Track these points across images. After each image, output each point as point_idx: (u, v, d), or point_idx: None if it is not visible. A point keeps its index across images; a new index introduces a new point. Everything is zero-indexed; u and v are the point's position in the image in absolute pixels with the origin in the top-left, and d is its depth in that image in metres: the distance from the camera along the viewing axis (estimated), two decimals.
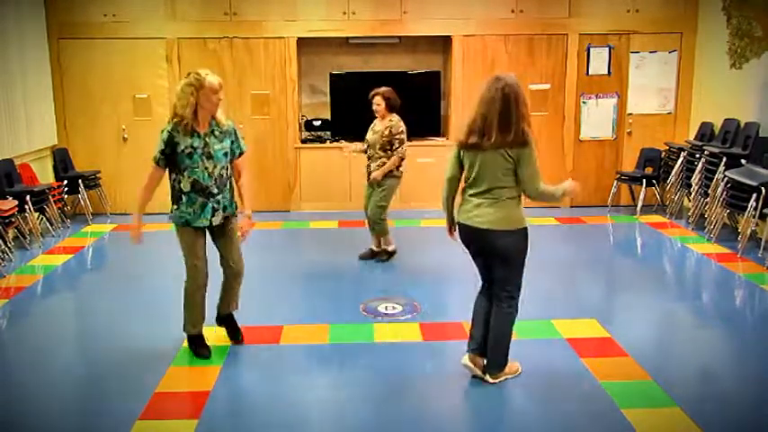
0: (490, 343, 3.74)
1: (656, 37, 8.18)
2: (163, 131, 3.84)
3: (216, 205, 3.94)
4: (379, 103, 5.80)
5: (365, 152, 5.99)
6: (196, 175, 3.85)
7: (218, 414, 3.49)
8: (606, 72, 8.27)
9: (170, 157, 3.84)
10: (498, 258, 3.61)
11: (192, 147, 3.81)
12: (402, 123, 5.84)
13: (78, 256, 6.54)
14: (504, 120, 3.41)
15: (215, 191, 3.91)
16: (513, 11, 8.10)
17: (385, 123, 5.81)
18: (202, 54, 8.00)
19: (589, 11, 8.11)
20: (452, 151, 3.74)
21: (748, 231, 6.22)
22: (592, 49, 8.20)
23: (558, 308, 4.94)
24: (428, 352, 4.24)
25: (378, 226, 5.94)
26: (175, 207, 3.94)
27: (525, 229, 3.58)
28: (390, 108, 5.83)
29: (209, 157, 3.86)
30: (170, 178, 3.93)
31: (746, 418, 3.45)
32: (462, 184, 3.77)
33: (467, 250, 3.77)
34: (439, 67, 8.54)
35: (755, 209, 6.01)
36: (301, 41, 8.12)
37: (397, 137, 5.78)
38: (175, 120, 3.83)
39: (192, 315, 4.16)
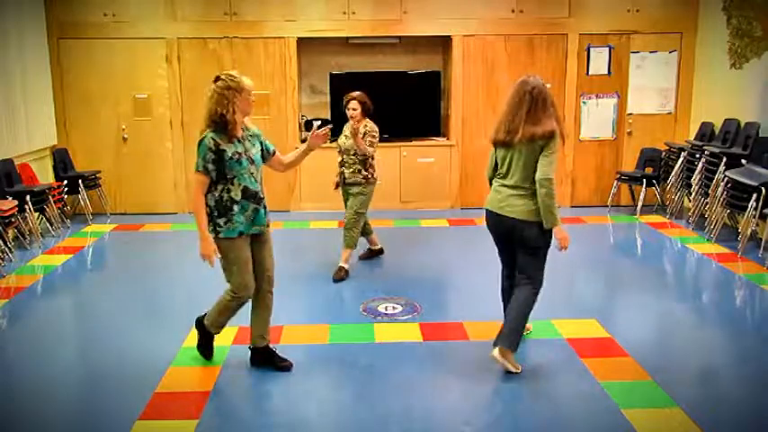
0: (509, 317, 3.88)
1: (656, 37, 8.18)
2: (204, 138, 3.58)
3: (264, 210, 3.76)
4: (355, 108, 5.55)
5: (338, 160, 5.77)
6: (245, 182, 3.65)
7: (218, 414, 3.48)
8: (606, 72, 8.27)
9: (216, 166, 3.60)
10: (523, 247, 3.85)
11: (237, 152, 3.62)
12: (377, 128, 5.61)
13: (78, 256, 6.54)
14: (531, 117, 3.70)
15: (262, 195, 3.76)
16: (513, 11, 8.10)
17: (360, 128, 5.54)
18: (202, 54, 8.00)
19: (589, 11, 8.11)
20: (490, 151, 4.00)
21: (748, 231, 6.22)
22: (592, 49, 8.20)
23: (558, 308, 4.93)
24: (428, 352, 4.24)
25: (352, 233, 5.63)
26: (225, 220, 3.65)
27: None
28: (365, 112, 5.58)
29: (252, 161, 3.69)
30: (214, 191, 3.64)
31: (746, 419, 3.45)
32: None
33: (492, 236, 4.03)
34: (439, 67, 8.54)
35: (756, 209, 6.01)
36: (301, 41, 8.12)
37: (368, 138, 5.53)
38: (214, 126, 3.59)
39: (222, 321, 3.96)
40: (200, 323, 4.07)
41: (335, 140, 5.83)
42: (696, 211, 7.28)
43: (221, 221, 3.66)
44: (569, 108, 8.28)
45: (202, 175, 3.61)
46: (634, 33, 8.16)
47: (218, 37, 7.99)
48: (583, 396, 3.65)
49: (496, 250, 4.12)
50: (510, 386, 3.79)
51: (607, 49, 8.20)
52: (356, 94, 5.62)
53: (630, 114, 8.37)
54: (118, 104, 8.06)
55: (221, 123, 3.58)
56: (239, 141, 3.66)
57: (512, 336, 3.83)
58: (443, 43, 8.44)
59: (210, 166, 3.59)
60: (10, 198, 6.33)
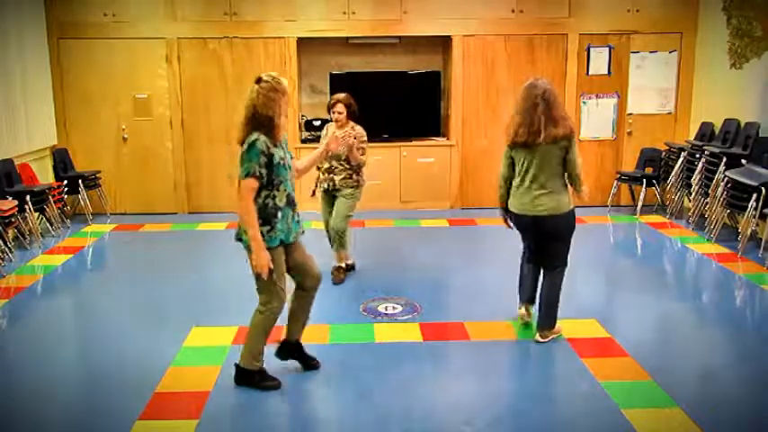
0: (542, 307, 4.28)
1: (656, 37, 8.18)
2: (256, 142, 3.41)
3: (297, 217, 3.67)
4: (341, 111, 5.29)
5: (325, 166, 5.43)
6: (288, 188, 3.56)
7: (218, 414, 3.48)
8: (606, 72, 8.27)
9: (266, 171, 3.46)
10: (553, 239, 4.21)
11: (281, 157, 3.50)
12: (364, 132, 5.39)
13: (78, 256, 6.54)
14: (550, 119, 3.99)
15: (296, 202, 3.67)
16: (513, 11, 8.10)
17: (347, 131, 5.30)
18: (202, 54, 8.00)
19: (589, 11, 8.11)
20: (504, 153, 4.26)
21: (748, 231, 6.22)
22: (592, 49, 8.20)
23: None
24: (428, 352, 4.24)
25: (344, 238, 5.47)
26: (268, 228, 3.50)
27: (573, 209, 4.18)
28: (351, 115, 5.34)
29: (289, 167, 3.59)
30: (257, 198, 3.47)
31: (746, 419, 3.45)
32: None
33: (521, 233, 4.38)
34: (439, 67, 8.54)
35: (756, 209, 6.01)
36: (301, 41, 8.12)
37: (362, 145, 5.33)
38: (260, 129, 3.45)
39: (262, 344, 3.70)
40: (242, 375, 3.72)
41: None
42: (696, 211, 7.28)
43: (264, 230, 3.48)
44: (569, 108, 8.26)
45: (255, 181, 3.42)
46: (634, 33, 8.16)
47: (218, 37, 7.99)
48: (583, 396, 3.65)
49: (522, 242, 4.46)
50: (510, 386, 3.79)
51: (607, 49, 8.20)
52: (341, 96, 5.36)
53: (630, 114, 8.37)
54: (118, 104, 8.06)
55: (267, 127, 3.45)
56: (281, 146, 3.55)
57: (550, 317, 4.28)
58: (443, 43, 8.44)
59: (263, 171, 3.44)
60: (10, 198, 6.33)
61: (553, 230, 4.16)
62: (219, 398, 3.64)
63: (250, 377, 3.70)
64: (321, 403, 3.68)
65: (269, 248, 3.50)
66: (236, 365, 3.74)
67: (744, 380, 3.88)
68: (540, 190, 4.08)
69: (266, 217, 3.50)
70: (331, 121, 5.46)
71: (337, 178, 5.40)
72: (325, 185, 5.47)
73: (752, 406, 3.59)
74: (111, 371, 4.00)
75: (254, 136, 3.43)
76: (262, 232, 3.47)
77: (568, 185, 4.16)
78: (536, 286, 4.42)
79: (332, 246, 5.60)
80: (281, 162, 3.51)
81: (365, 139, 5.42)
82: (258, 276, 3.55)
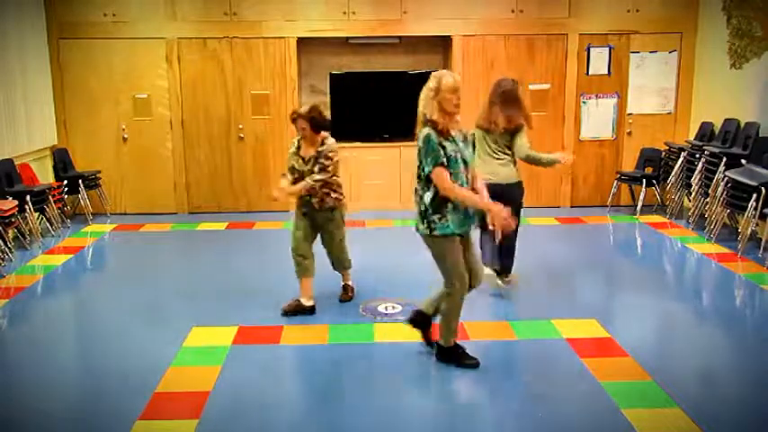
0: (504, 255, 5.09)
1: (656, 37, 8.18)
2: (429, 134, 3.64)
3: (471, 211, 3.77)
4: (303, 127, 4.74)
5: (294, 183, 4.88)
6: (459, 180, 3.68)
7: (218, 414, 3.49)
8: (606, 72, 8.27)
9: None
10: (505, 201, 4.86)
11: (454, 150, 3.67)
12: (335, 146, 4.82)
13: (78, 256, 6.54)
14: (502, 114, 4.93)
15: None
16: (513, 11, 8.10)
17: (317, 149, 4.78)
18: (202, 54, 8.00)
19: (589, 11, 8.11)
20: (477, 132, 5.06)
21: (748, 231, 6.22)
22: (592, 49, 8.20)
23: (558, 308, 4.94)
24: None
25: (347, 258, 5.16)
26: (438, 217, 3.69)
27: (521, 181, 5.00)
28: (317, 128, 4.74)
29: (464, 162, 3.72)
30: (428, 187, 3.69)
31: (746, 418, 3.46)
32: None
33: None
34: (439, 67, 8.53)
35: (755, 209, 6.01)
36: (301, 41, 8.12)
37: (325, 161, 4.72)
38: (430, 124, 3.66)
39: (456, 322, 3.96)
40: (443, 352, 4.02)
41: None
42: (696, 211, 7.28)
43: (435, 218, 3.70)
44: (569, 108, 8.29)
45: (444, 168, 3.62)
46: (634, 33, 8.16)
47: (218, 37, 7.99)
48: (583, 396, 3.65)
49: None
50: (510, 386, 3.79)
51: (607, 49, 8.20)
52: (302, 110, 4.75)
53: (630, 114, 8.37)
54: (118, 104, 8.07)
55: (426, 123, 3.67)
56: (454, 140, 3.70)
57: (510, 266, 5.19)
58: (443, 43, 8.44)
59: (444, 161, 3.63)
60: (10, 198, 6.33)
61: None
62: (219, 398, 3.64)
63: (451, 353, 4.00)
64: (321, 403, 3.68)
65: (440, 236, 3.72)
66: (438, 345, 4.04)
67: (744, 380, 3.88)
68: (499, 160, 4.95)
69: (437, 207, 3.69)
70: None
71: (315, 199, 4.81)
72: (306, 209, 4.90)
73: (752, 406, 3.59)
74: (111, 371, 4.00)
75: (426, 130, 3.67)
76: (434, 220, 3.70)
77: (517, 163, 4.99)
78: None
79: (336, 269, 5.25)
80: (454, 155, 3.66)
81: (332, 153, 4.77)
82: (439, 263, 3.81)
